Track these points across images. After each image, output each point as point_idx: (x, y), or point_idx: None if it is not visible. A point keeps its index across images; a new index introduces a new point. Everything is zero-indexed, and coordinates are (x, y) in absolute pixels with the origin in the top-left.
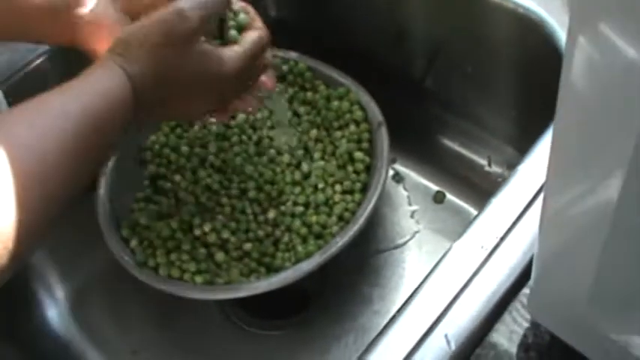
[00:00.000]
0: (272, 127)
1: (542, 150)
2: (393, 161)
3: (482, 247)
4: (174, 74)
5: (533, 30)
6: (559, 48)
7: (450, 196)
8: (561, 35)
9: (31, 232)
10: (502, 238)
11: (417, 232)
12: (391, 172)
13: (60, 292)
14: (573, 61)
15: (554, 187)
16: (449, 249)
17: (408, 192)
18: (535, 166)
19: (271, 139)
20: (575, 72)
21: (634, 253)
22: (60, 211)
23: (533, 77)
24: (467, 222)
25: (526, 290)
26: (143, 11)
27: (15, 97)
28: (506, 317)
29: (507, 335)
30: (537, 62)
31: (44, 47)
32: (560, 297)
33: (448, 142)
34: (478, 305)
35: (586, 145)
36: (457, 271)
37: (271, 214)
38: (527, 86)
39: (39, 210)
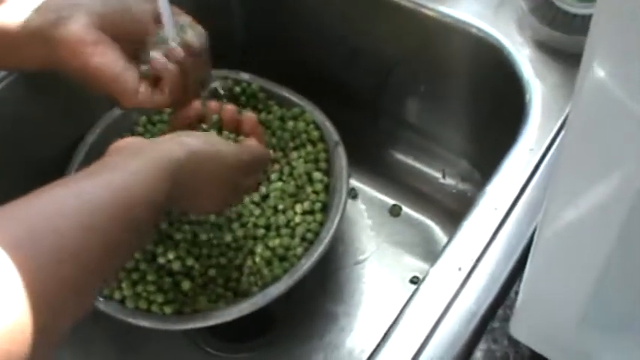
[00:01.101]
0: None
1: (508, 169)
2: (348, 176)
3: (459, 269)
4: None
5: (488, 52)
6: (514, 68)
7: (406, 209)
8: (516, 57)
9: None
10: (478, 260)
11: (376, 246)
12: None
13: None
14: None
15: (553, 208)
16: (427, 274)
17: (365, 207)
18: (503, 186)
19: None
20: (587, 98)
21: (636, 272)
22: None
23: (486, 95)
24: (424, 234)
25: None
26: (125, 35)
27: None
28: (487, 336)
29: (489, 355)
30: (491, 82)
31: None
32: (549, 317)
33: (402, 157)
34: (460, 328)
35: (595, 164)
36: (436, 295)
37: (232, 238)
38: (481, 103)
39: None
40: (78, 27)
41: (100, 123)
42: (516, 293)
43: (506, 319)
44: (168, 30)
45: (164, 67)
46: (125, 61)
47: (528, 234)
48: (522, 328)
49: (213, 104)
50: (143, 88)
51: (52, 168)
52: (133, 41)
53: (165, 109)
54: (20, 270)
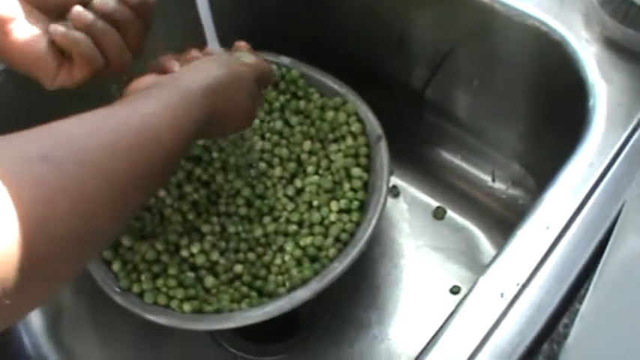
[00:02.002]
0: (262, 137)
1: (564, 184)
2: (390, 173)
3: (501, 295)
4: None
5: (550, 48)
6: (578, 67)
7: (450, 212)
8: (581, 55)
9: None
10: (523, 286)
11: (415, 250)
12: None
13: (37, 317)
14: None
15: (626, 234)
16: (465, 295)
17: (406, 207)
18: (557, 202)
19: (262, 151)
20: None
21: None
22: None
23: (545, 95)
24: (468, 241)
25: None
26: (54, 9)
27: None
28: None
29: None
30: (552, 80)
31: None
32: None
33: (449, 155)
34: None
35: None
36: (473, 324)
37: (262, 232)
38: (539, 103)
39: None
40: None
41: None
42: (565, 326)
43: (553, 357)
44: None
45: (66, 36)
46: (47, 39)
47: (583, 260)
48: None
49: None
50: (65, 68)
51: None
52: (60, 11)
53: None
54: (43, 183)
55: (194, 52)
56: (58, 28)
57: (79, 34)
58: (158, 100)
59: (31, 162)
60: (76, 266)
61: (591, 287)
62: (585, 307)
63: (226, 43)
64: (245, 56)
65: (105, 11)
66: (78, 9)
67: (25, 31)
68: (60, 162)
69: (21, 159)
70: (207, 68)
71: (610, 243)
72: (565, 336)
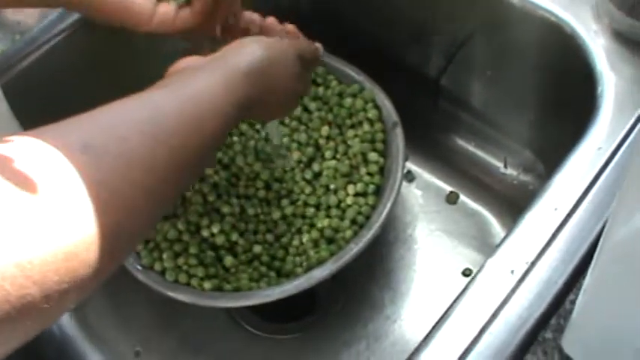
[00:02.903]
0: (282, 122)
1: (572, 167)
2: (405, 159)
3: (512, 272)
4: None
5: (560, 39)
6: (587, 58)
7: (463, 197)
8: (590, 46)
9: (133, 240)
10: (532, 263)
11: (429, 234)
12: None
13: None
14: None
15: (623, 213)
16: (475, 274)
17: (420, 192)
18: (565, 185)
19: (283, 134)
20: None
21: None
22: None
23: (556, 84)
24: (481, 225)
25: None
26: None
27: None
28: (536, 347)
29: None
30: (562, 70)
31: (40, 41)
32: (608, 337)
33: (463, 142)
34: (508, 336)
35: None
36: (484, 299)
37: (280, 215)
38: (550, 92)
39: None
40: None
41: None
42: (572, 303)
43: (560, 331)
44: None
45: None
46: None
47: (590, 239)
48: (576, 344)
49: (254, 16)
50: (163, 8)
51: None
52: None
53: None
54: (84, 175)
55: (271, 20)
56: None
57: None
58: (199, 84)
59: (72, 153)
60: (112, 261)
61: (593, 262)
62: (587, 282)
63: None
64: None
65: None
66: None
67: None
68: (101, 152)
69: (62, 150)
70: (248, 49)
71: (610, 218)
72: (571, 311)
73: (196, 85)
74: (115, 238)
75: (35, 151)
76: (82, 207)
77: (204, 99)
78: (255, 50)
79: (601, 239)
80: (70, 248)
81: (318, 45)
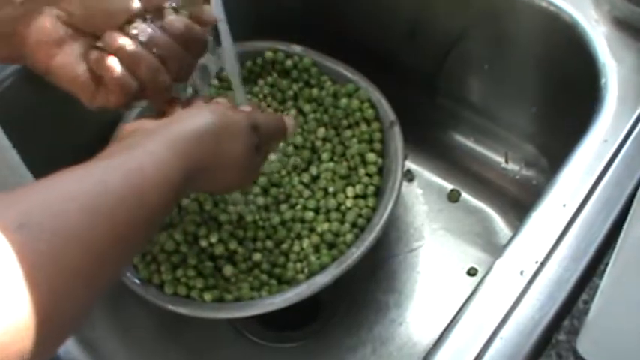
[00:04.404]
0: None
1: (579, 162)
2: (404, 158)
3: (521, 272)
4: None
5: (560, 28)
6: (588, 47)
7: (465, 195)
8: (591, 35)
9: (71, 325)
10: (542, 263)
11: (431, 233)
12: None
13: None
14: None
15: None
16: (484, 275)
17: (421, 191)
18: (572, 180)
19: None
20: None
21: None
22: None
23: (557, 76)
24: (484, 222)
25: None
26: (94, 31)
27: None
28: (550, 350)
29: None
30: (563, 62)
31: (14, 67)
32: (626, 340)
33: (462, 139)
34: (520, 339)
35: None
36: (494, 301)
37: (279, 220)
38: (550, 85)
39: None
40: (44, 24)
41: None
42: (585, 302)
43: (573, 332)
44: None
45: (97, 62)
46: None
47: (600, 235)
48: (592, 346)
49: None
50: (102, 91)
51: (89, 154)
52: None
53: None
54: (19, 257)
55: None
56: (93, 53)
57: (110, 59)
58: (143, 154)
59: (7, 232)
60: (48, 349)
61: (610, 262)
62: (605, 282)
63: (238, 33)
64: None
65: (142, 40)
66: (111, 34)
67: (67, 54)
68: (37, 231)
69: None
70: (198, 115)
71: (629, 218)
72: (585, 312)
73: (142, 154)
74: (52, 325)
75: None
76: (15, 292)
77: (151, 170)
78: (206, 116)
79: (619, 239)
80: (2, 339)
81: (287, 118)
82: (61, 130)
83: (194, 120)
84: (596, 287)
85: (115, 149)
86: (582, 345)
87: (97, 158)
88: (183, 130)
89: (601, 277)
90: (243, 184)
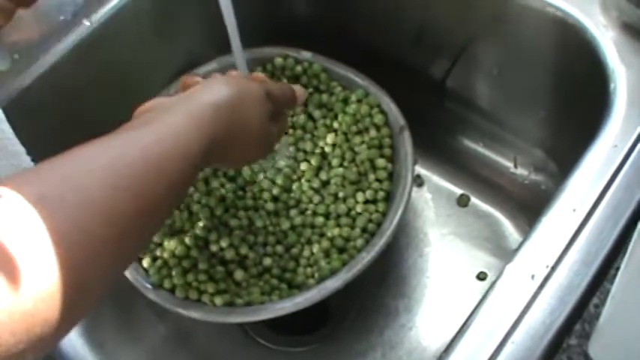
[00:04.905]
0: (285, 132)
1: (588, 166)
2: (414, 163)
3: (532, 277)
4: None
5: (568, 34)
6: (597, 52)
7: (474, 200)
8: (600, 41)
9: (95, 295)
10: (553, 267)
11: (441, 238)
12: None
13: None
14: None
15: None
16: (495, 280)
17: (430, 195)
18: (582, 185)
19: (288, 144)
20: None
21: None
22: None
23: (566, 81)
24: (493, 227)
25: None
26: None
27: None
28: (561, 355)
29: None
30: (572, 67)
31: (40, 68)
32: (638, 339)
33: (471, 143)
34: (531, 343)
35: None
36: (505, 306)
37: (289, 225)
38: (559, 90)
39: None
40: None
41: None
42: (596, 307)
43: (585, 336)
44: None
45: None
46: None
47: (611, 240)
48: (604, 350)
49: None
50: None
51: None
52: None
53: None
54: (41, 228)
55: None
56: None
57: None
58: (161, 126)
59: (28, 205)
60: (73, 318)
61: (622, 267)
62: (616, 286)
63: (248, 39)
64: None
65: None
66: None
67: None
68: (57, 203)
69: (17, 202)
70: (215, 87)
71: None
72: (596, 316)
73: (161, 127)
74: (75, 294)
75: None
76: (39, 262)
77: (169, 142)
78: (222, 88)
79: (631, 243)
80: (27, 307)
81: (297, 87)
82: (74, 135)
83: (211, 93)
84: (607, 291)
85: (134, 124)
86: (594, 349)
87: (116, 132)
88: (200, 103)
89: (612, 281)
90: (260, 155)
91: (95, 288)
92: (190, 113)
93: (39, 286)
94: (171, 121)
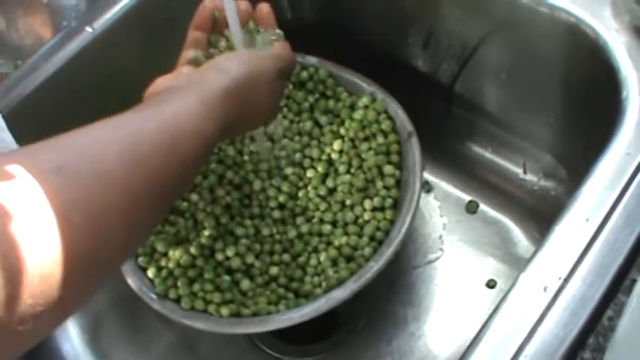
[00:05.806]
0: (291, 139)
1: (601, 175)
2: (422, 169)
3: (544, 289)
4: (255, 103)
5: (579, 39)
6: (609, 57)
7: (483, 206)
8: (611, 46)
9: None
10: (566, 279)
11: (450, 245)
12: None
13: (74, 326)
14: None
15: None
16: (507, 292)
17: (439, 202)
18: (595, 194)
19: (294, 151)
20: None
21: None
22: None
23: (576, 87)
24: (502, 234)
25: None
26: None
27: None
28: None
29: None
30: (583, 72)
31: (41, 75)
32: None
33: (480, 149)
34: (545, 358)
35: None
36: (517, 319)
37: (296, 233)
38: (570, 95)
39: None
40: None
41: None
42: (610, 319)
43: (599, 350)
44: (236, 34)
45: None
46: None
47: (625, 251)
48: None
49: None
50: None
51: None
52: None
53: None
54: (57, 197)
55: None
56: None
57: None
58: (177, 105)
59: (45, 174)
60: (88, 286)
61: (639, 279)
62: (633, 299)
63: None
64: (263, 40)
65: None
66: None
67: None
68: (74, 174)
69: (34, 172)
70: (227, 68)
71: None
72: (611, 329)
73: (175, 106)
74: (91, 262)
75: (6, 174)
76: (55, 229)
77: (183, 119)
78: (233, 68)
79: None
80: (45, 270)
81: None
82: None
83: (223, 73)
84: (622, 304)
85: (150, 102)
86: None
87: (132, 110)
88: (215, 86)
89: (626, 293)
90: (271, 117)
91: (111, 257)
92: (203, 95)
93: (56, 250)
94: (184, 102)
